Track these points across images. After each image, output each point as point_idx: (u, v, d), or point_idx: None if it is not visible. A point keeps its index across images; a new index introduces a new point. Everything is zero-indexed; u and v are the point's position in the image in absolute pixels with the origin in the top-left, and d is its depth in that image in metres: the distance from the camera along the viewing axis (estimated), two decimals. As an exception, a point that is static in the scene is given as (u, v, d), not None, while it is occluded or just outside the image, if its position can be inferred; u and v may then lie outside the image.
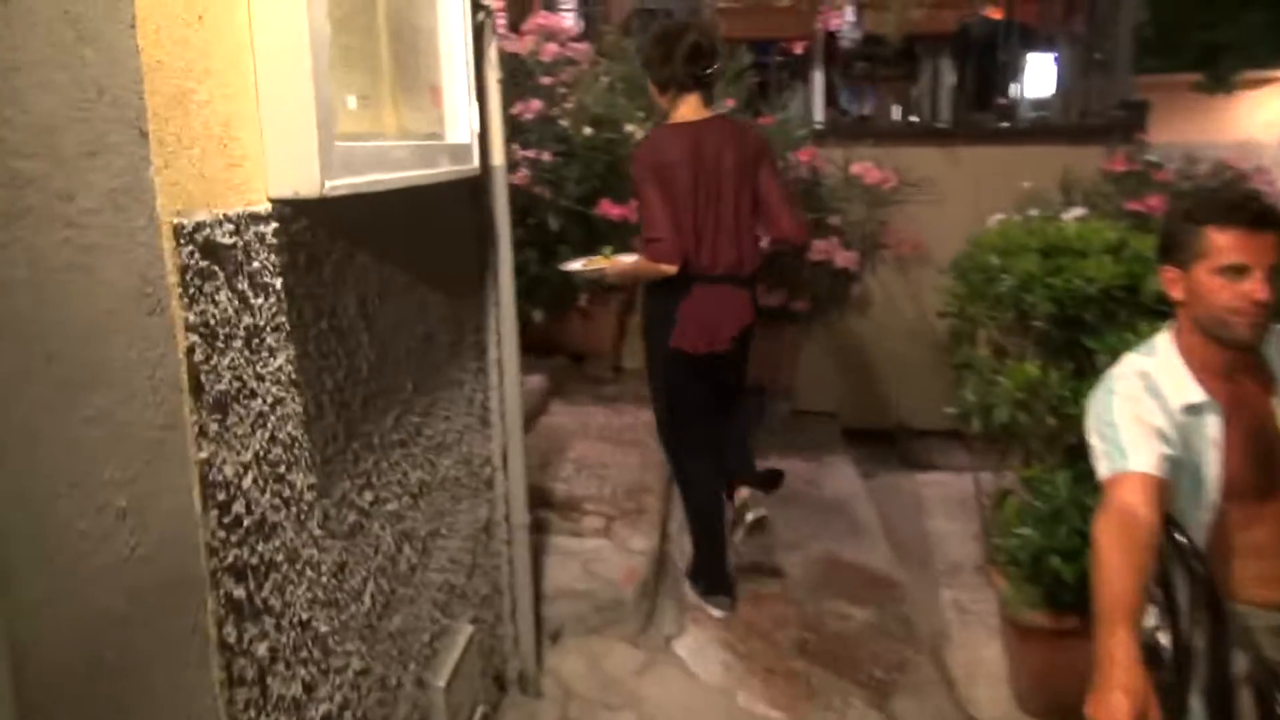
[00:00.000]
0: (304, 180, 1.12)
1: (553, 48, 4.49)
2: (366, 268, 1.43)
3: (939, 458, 4.75)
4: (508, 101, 4.39)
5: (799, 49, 5.17)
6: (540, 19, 4.65)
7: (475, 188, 2.04)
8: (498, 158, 2.12)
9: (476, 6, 1.98)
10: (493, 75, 2.07)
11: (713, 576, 2.93)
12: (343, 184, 1.18)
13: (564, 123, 4.16)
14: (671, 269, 2.55)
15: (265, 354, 1.13)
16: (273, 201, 1.14)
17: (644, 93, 4.57)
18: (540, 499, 3.17)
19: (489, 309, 2.12)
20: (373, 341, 1.45)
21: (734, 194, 2.64)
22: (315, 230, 1.25)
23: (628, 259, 2.89)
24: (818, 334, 4.92)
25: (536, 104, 4.27)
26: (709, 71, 2.66)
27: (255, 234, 1.11)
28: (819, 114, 5.47)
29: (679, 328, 2.64)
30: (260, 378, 1.11)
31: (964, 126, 4.92)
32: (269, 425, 1.13)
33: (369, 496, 1.43)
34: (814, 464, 4.36)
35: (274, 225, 1.14)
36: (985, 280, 2.55)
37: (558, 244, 4.34)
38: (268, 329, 1.13)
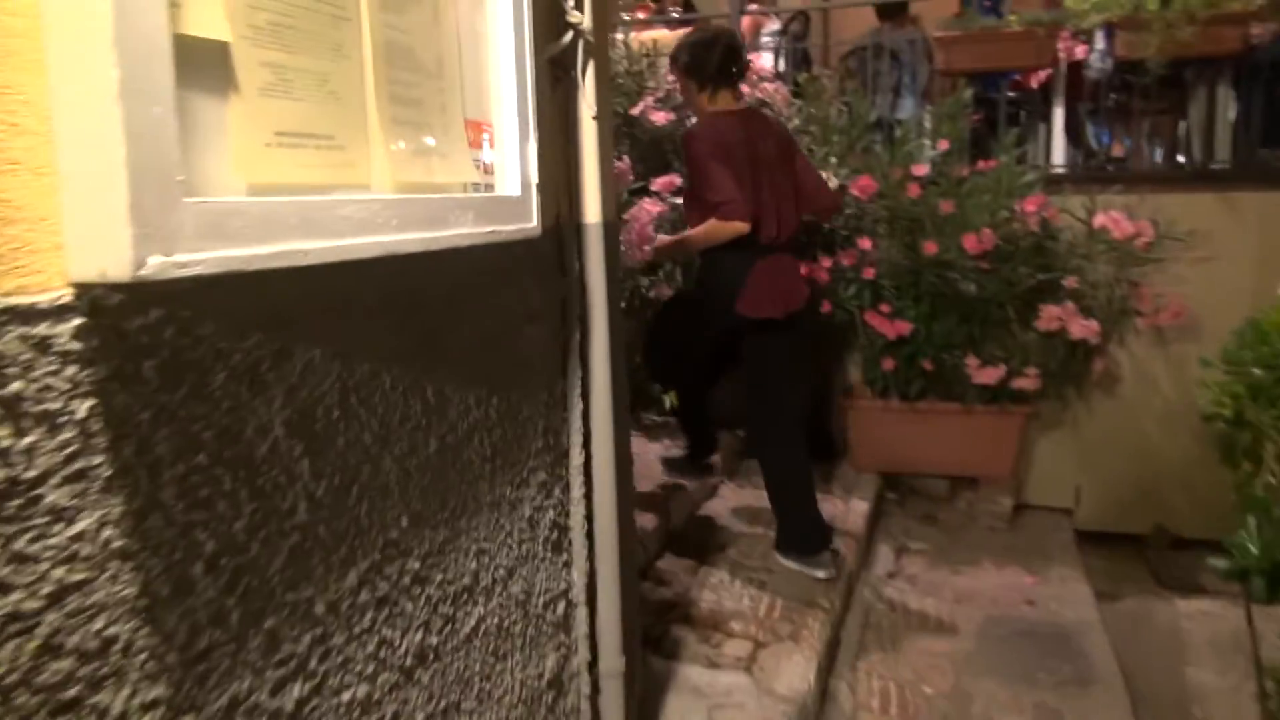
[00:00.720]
0: (112, 256, 0.73)
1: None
2: (315, 370, 1.03)
3: (1206, 578, 3.79)
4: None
5: (1035, 82, 4.44)
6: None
7: (554, 252, 1.62)
8: (593, 213, 1.69)
9: (563, 25, 1.58)
10: (587, 111, 1.65)
11: (809, 537, 3.01)
12: (202, 259, 0.78)
13: (744, 170, 3.69)
14: (745, 227, 2.76)
15: (45, 520, 0.74)
16: (77, 287, 0.76)
17: (840, 136, 4.05)
18: (678, 613, 2.68)
19: (572, 402, 1.68)
20: (321, 470, 1.04)
21: (780, 173, 2.95)
22: (184, 325, 0.86)
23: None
24: (1049, 415, 4.12)
25: (715, 151, 3.85)
26: (737, 70, 3.02)
27: (30, 339, 0.72)
28: (1059, 155, 4.68)
29: (749, 296, 2.85)
30: (25, 558, 0.72)
31: (1248, 168, 3.99)
32: (48, 624, 0.74)
33: (298, 691, 1.01)
34: (1036, 577, 3.58)
35: (75, 323, 0.76)
36: (1275, 378, 1.82)
37: (735, 306, 3.87)
38: (55, 480, 0.75)
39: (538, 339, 1.56)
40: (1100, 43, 4.21)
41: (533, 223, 1.39)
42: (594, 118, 1.66)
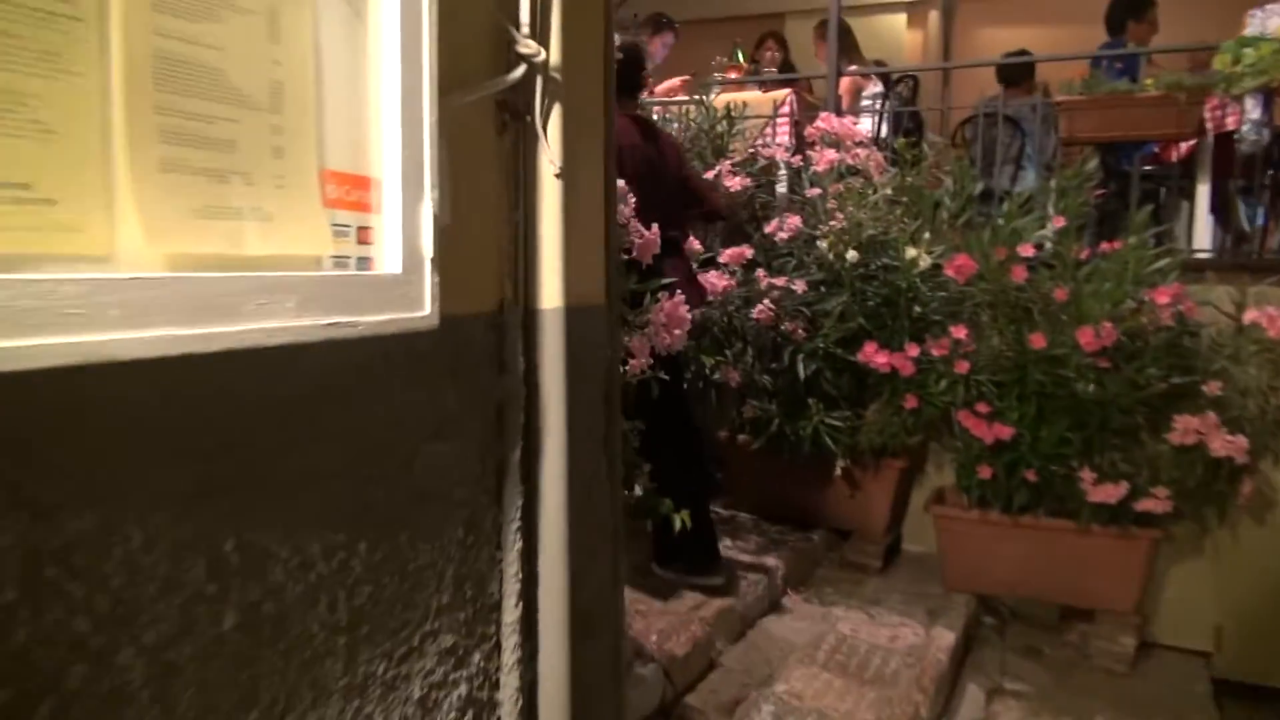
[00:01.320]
0: None
1: (831, 155, 3.67)
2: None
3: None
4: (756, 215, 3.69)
5: (1174, 155, 3.88)
6: (826, 121, 3.85)
7: (491, 345, 1.26)
8: (552, 295, 1.32)
9: (514, 58, 1.23)
10: (549, 168, 1.29)
11: (703, 553, 2.99)
12: None
13: (823, 244, 3.28)
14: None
15: None
16: None
17: (927, 208, 3.59)
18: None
19: (507, 540, 1.29)
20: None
21: (670, 177, 3.00)
22: None
23: None
24: (1185, 540, 3.48)
25: (795, 221, 3.45)
26: (637, 81, 3.07)
27: None
28: (1203, 239, 4.08)
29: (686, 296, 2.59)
30: None
31: None
32: None
33: None
34: (1164, 741, 2.94)
35: None
36: None
37: (808, 395, 3.43)
38: None
39: (449, 460, 1.18)
40: (1255, 111, 3.64)
41: (424, 310, 1.03)
42: (558, 175, 1.30)
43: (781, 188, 4.08)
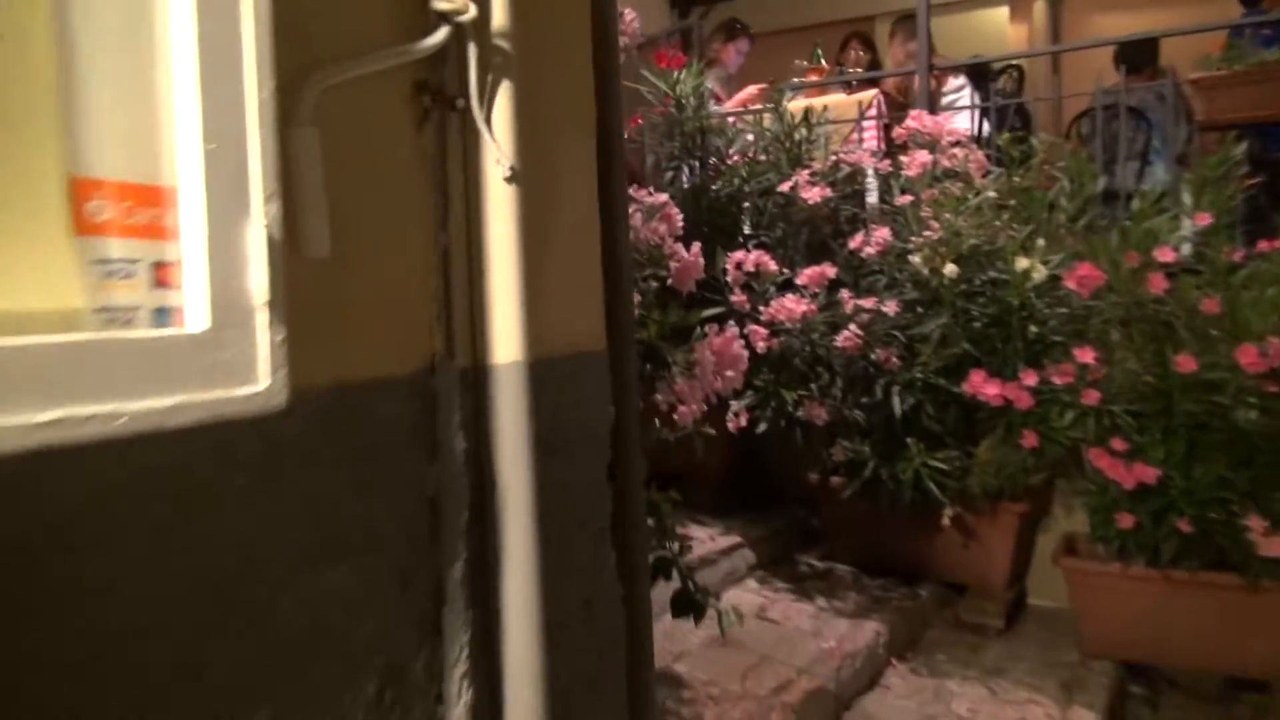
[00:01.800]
0: None
1: (924, 156, 3.22)
2: None
3: None
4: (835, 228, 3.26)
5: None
6: (917, 119, 3.41)
7: (419, 422, 0.90)
8: (511, 347, 0.96)
9: (434, 19, 0.88)
10: (496, 169, 0.94)
11: None
12: None
13: (916, 259, 2.83)
14: None
15: None
16: None
17: (1039, 211, 3.10)
18: None
19: (450, 693, 0.92)
20: None
21: None
22: None
23: None
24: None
25: (883, 233, 3.02)
26: None
27: None
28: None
29: None
30: None
31: None
32: None
33: None
34: None
35: None
36: None
37: (906, 433, 2.97)
38: None
39: (345, 588, 0.83)
40: None
41: (255, 383, 0.68)
42: (509, 179, 0.94)
43: (872, 197, 3.65)
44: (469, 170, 0.95)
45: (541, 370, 0.98)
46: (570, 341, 1.05)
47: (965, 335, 2.88)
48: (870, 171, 3.57)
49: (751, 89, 4.65)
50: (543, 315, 0.98)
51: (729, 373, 1.77)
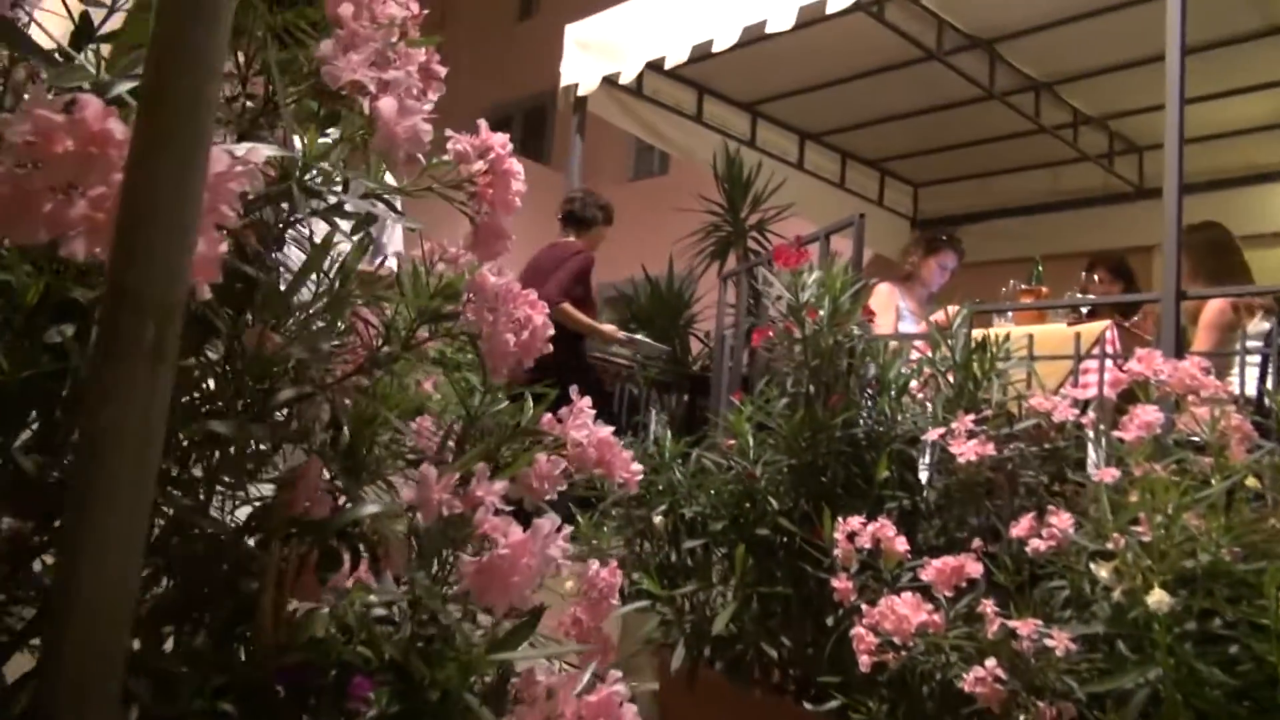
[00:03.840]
0: None
1: (1150, 415, 2.19)
2: None
3: None
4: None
5: None
6: (1144, 362, 2.39)
7: None
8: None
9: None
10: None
11: None
12: None
13: (1103, 572, 1.77)
14: None
15: None
16: None
17: None
18: None
19: None
20: None
21: None
22: None
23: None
24: None
25: (1063, 521, 1.98)
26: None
27: None
28: None
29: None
30: None
31: None
32: None
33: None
34: None
35: None
36: None
37: None
38: None
39: None
40: None
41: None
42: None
43: (1091, 461, 2.59)
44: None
45: None
46: None
47: (1196, 708, 1.73)
48: (1088, 429, 2.54)
49: (952, 309, 3.76)
50: None
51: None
